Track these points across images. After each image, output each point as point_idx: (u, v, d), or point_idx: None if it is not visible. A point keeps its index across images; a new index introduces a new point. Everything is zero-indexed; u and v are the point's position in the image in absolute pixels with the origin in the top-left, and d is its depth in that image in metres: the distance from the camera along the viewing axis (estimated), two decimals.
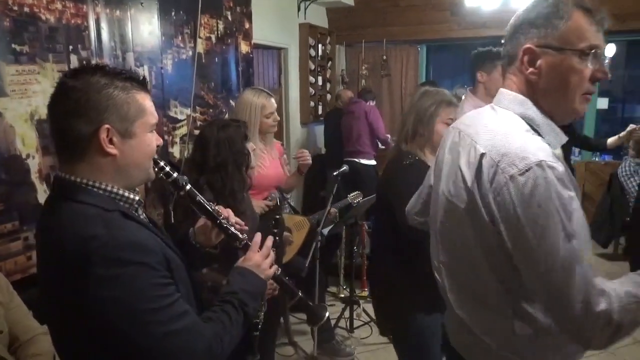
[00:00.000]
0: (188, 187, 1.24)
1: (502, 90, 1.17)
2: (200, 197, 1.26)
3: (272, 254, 1.32)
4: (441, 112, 1.88)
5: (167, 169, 1.20)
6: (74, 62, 2.44)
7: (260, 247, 1.31)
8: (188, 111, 3.30)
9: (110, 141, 1.03)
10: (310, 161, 2.74)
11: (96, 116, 1.01)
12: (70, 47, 2.42)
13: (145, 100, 1.09)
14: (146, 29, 2.93)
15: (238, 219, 1.33)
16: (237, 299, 1.17)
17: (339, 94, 5.68)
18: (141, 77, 1.10)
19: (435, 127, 1.88)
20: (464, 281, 1.20)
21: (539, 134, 1.09)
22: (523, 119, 1.10)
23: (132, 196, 1.09)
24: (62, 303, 1.00)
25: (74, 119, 1.01)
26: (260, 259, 1.27)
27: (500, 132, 1.07)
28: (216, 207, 1.30)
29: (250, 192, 2.43)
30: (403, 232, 1.78)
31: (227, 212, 1.33)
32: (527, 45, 1.08)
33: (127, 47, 2.78)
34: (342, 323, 3.50)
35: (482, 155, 1.06)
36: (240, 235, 1.31)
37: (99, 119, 1.01)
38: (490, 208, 1.04)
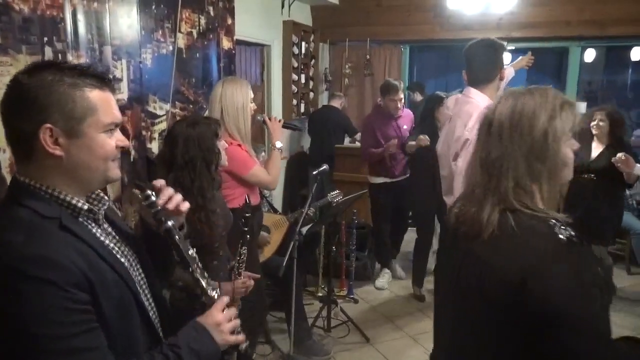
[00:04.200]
0: (170, 223, 1.12)
1: None
2: (179, 240, 1.14)
3: (236, 322, 1.17)
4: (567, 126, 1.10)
5: (153, 199, 1.11)
6: (49, 54, 2.37)
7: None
8: (167, 106, 3.26)
9: (56, 141, 0.97)
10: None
11: (37, 115, 0.95)
12: (45, 39, 2.36)
13: (99, 98, 1.01)
14: (125, 22, 2.87)
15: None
16: (177, 355, 1.04)
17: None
18: (103, 73, 1.05)
19: (564, 150, 1.09)
20: None
21: None
22: None
23: (79, 205, 1.02)
24: None
25: (16, 117, 0.97)
26: (222, 319, 1.13)
27: None
28: (194, 253, 1.17)
29: (227, 190, 2.41)
30: None
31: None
32: None
33: (105, 40, 2.72)
34: (320, 322, 3.50)
35: None
36: (209, 292, 1.16)
37: (40, 117, 0.95)
38: None
